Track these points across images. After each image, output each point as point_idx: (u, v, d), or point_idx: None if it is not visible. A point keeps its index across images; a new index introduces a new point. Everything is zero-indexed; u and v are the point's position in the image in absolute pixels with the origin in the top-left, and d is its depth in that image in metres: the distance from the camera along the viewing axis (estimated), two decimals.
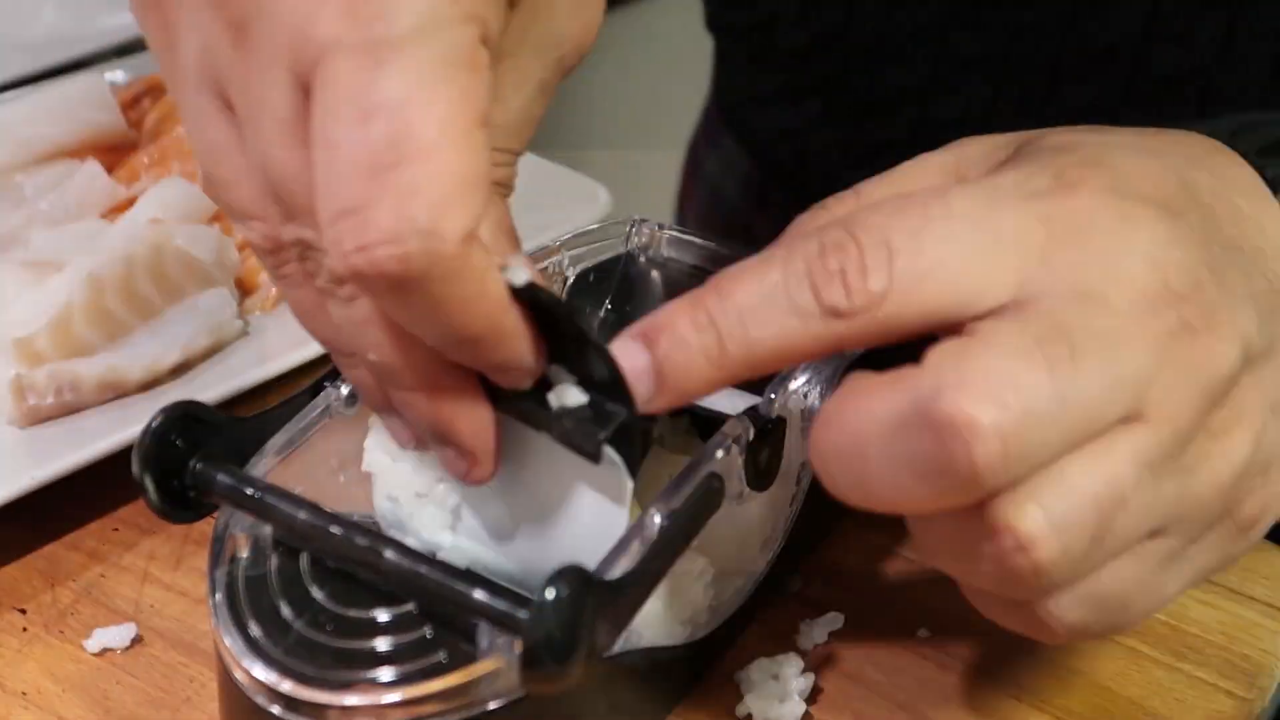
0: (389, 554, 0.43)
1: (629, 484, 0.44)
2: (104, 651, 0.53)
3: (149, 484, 0.46)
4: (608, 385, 0.42)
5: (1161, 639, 0.56)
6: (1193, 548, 0.43)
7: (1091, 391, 0.39)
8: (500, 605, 0.42)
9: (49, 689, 0.52)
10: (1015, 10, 0.68)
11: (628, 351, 0.41)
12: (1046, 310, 0.40)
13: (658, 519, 0.44)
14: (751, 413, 0.49)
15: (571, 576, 0.40)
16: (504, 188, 0.46)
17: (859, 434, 0.39)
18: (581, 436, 0.42)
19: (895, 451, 0.39)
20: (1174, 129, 0.47)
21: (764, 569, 0.54)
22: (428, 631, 0.44)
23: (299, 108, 0.39)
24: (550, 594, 0.39)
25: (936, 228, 0.40)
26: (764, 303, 0.40)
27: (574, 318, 0.41)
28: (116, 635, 0.53)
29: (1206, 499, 0.42)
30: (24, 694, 0.51)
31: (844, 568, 0.58)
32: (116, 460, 0.59)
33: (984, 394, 0.37)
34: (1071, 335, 0.39)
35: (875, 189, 0.48)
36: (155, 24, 0.43)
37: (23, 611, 0.55)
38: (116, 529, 0.59)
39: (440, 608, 0.44)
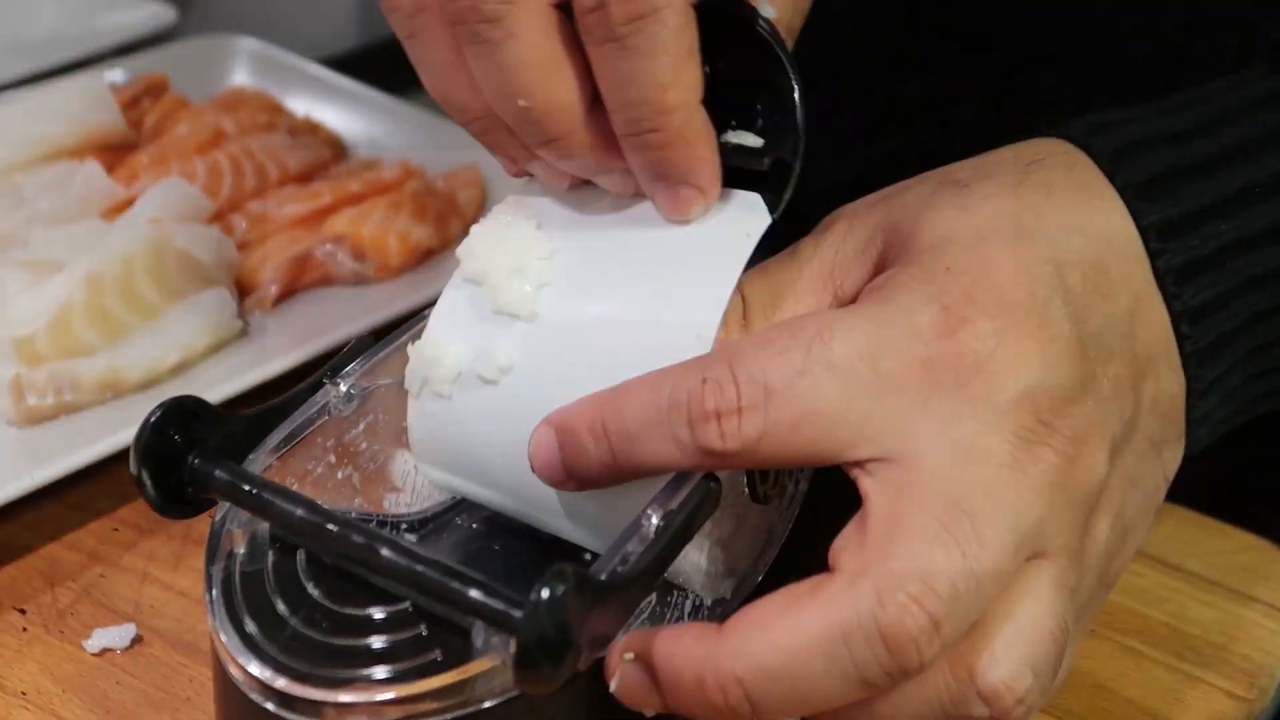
0: (385, 551, 0.43)
1: (766, 219, 0.47)
2: (104, 651, 0.53)
3: (146, 479, 0.46)
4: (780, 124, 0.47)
5: (1161, 639, 0.56)
6: (1079, 623, 0.45)
7: (1002, 556, 0.41)
8: (495, 604, 0.42)
9: (49, 689, 0.52)
10: (959, 57, 0.68)
11: (541, 440, 0.45)
12: (936, 476, 0.41)
13: (654, 519, 0.44)
14: None
15: (566, 575, 0.40)
16: None
17: (796, 651, 0.40)
18: (745, 159, 0.47)
19: (839, 661, 0.40)
20: (1037, 141, 0.48)
21: (762, 571, 0.54)
22: (423, 629, 0.44)
23: None
24: (544, 593, 0.39)
25: (817, 375, 0.41)
26: (649, 428, 0.43)
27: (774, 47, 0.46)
28: (116, 635, 0.53)
29: (1098, 600, 0.46)
30: (23, 694, 0.51)
31: None
32: (116, 460, 0.59)
33: (917, 591, 0.40)
34: (971, 508, 0.41)
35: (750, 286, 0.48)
36: None
37: (22, 611, 0.55)
38: (116, 529, 0.59)
39: (435, 605, 0.44)
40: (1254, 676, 0.54)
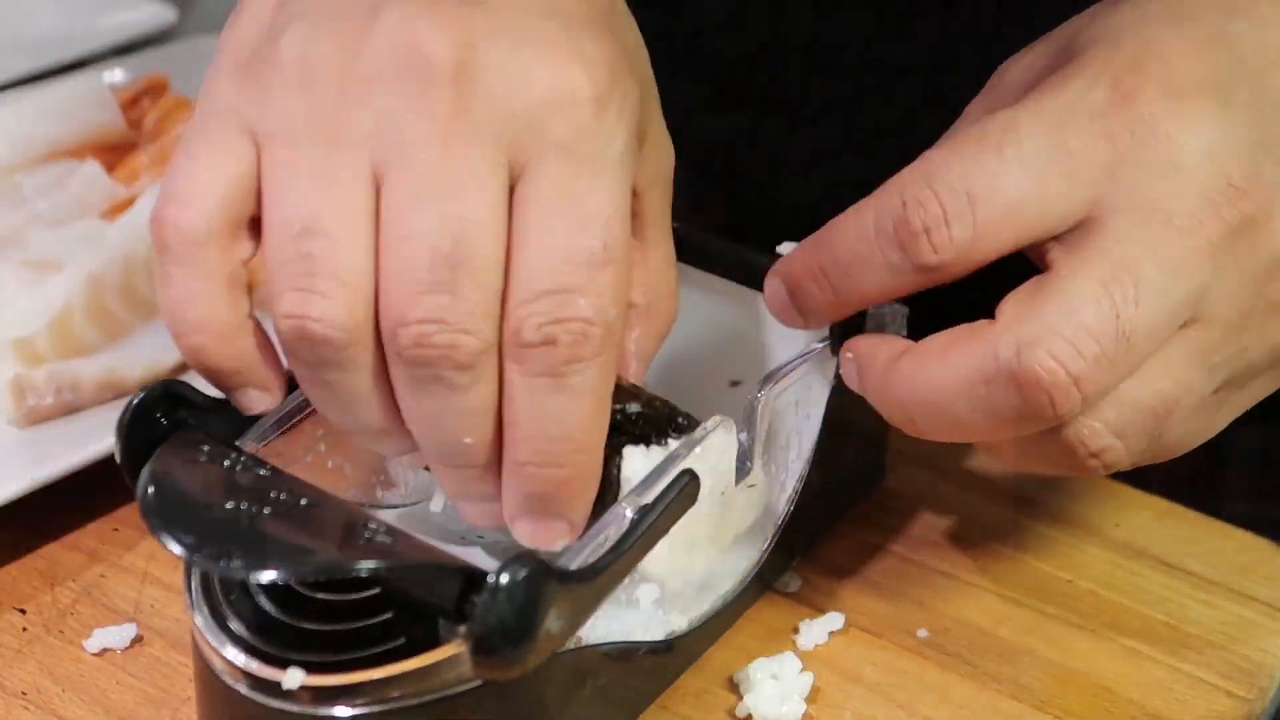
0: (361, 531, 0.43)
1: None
2: (104, 651, 0.53)
3: (126, 461, 0.46)
4: None
5: (1161, 639, 0.56)
6: (1243, 393, 0.48)
7: (1155, 322, 0.44)
8: (455, 590, 0.41)
9: (49, 689, 0.52)
10: (941, 19, 0.68)
11: (772, 291, 0.50)
12: (1113, 238, 0.44)
13: (628, 513, 0.44)
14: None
15: (527, 563, 0.39)
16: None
17: (944, 388, 0.45)
18: None
19: (980, 402, 0.45)
20: None
21: (754, 567, 0.54)
22: (391, 616, 0.44)
23: (505, 185, 0.43)
24: (504, 579, 0.39)
25: (1012, 168, 0.44)
26: (863, 261, 0.46)
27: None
28: (116, 635, 0.53)
29: (1262, 362, 0.47)
30: (24, 694, 0.51)
31: (844, 568, 0.58)
32: (116, 460, 0.59)
33: (1059, 349, 0.44)
34: (1136, 270, 0.43)
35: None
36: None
37: (23, 611, 0.55)
38: (116, 529, 0.59)
39: (400, 589, 0.44)
40: (1254, 676, 0.54)
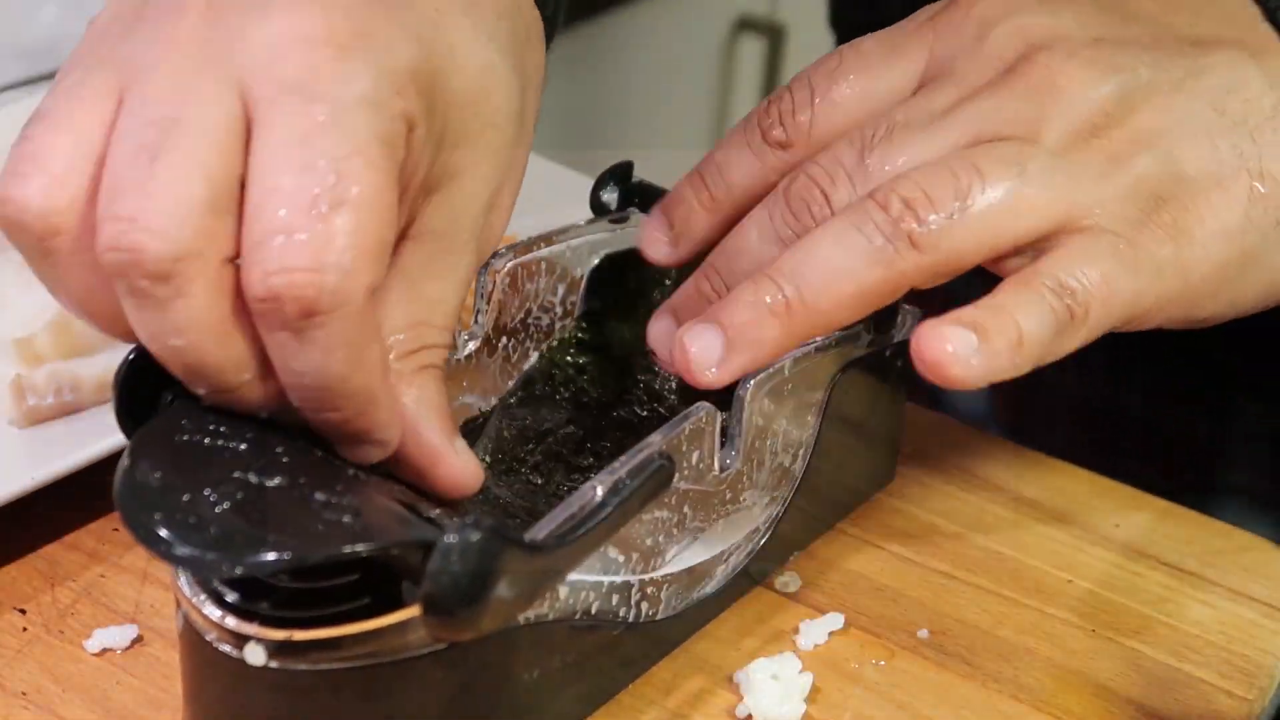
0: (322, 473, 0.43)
1: None
2: (104, 651, 0.53)
3: (122, 414, 0.46)
4: None
5: (1161, 639, 0.56)
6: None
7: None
8: (408, 539, 0.41)
9: (49, 689, 0.52)
10: None
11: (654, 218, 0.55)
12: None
13: (599, 491, 0.44)
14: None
15: (483, 527, 0.39)
16: (435, 368, 0.47)
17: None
18: None
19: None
20: None
21: (742, 559, 0.54)
22: (358, 575, 0.43)
23: (234, 113, 0.41)
24: (457, 539, 0.39)
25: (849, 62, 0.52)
26: (728, 148, 0.54)
27: None
28: (116, 635, 0.53)
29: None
30: (24, 694, 0.51)
31: (844, 568, 0.58)
32: (116, 460, 0.59)
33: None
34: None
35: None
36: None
37: (23, 611, 0.55)
38: (116, 529, 0.59)
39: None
40: (1254, 676, 0.54)
